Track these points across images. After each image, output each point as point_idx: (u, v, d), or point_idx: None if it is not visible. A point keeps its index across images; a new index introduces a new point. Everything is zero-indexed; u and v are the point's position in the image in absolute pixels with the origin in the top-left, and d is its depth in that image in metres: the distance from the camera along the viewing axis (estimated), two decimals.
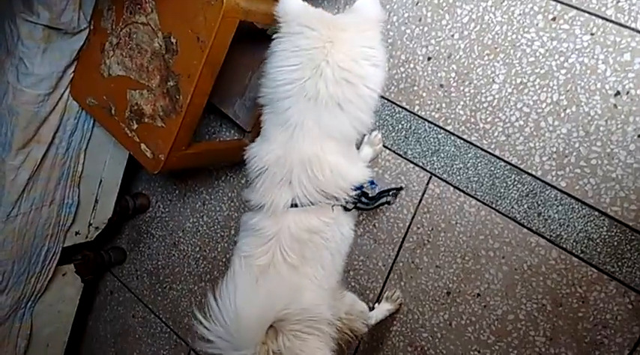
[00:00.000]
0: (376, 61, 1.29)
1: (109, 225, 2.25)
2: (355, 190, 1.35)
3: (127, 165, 2.15)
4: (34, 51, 1.57)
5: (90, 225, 2.15)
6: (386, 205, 1.62)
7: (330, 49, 1.24)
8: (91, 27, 1.61)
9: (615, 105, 1.42)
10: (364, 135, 1.70)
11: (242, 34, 1.42)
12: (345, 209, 1.36)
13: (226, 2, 1.30)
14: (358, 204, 1.39)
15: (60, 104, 1.71)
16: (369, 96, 1.30)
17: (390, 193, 1.54)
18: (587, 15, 1.43)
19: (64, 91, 1.70)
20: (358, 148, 1.67)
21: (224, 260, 2.20)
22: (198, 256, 2.28)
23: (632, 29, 1.38)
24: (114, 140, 1.76)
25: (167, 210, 2.36)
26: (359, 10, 1.32)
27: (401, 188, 1.71)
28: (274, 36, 1.30)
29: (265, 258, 1.31)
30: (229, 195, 2.16)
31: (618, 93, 1.41)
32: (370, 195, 1.45)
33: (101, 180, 2.08)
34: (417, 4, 1.65)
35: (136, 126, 1.55)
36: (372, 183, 1.45)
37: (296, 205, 1.30)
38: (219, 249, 2.21)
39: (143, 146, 1.56)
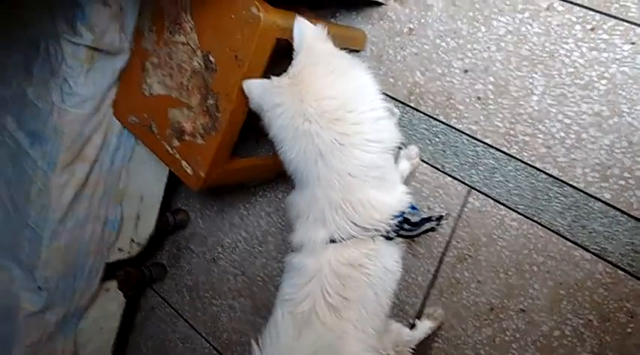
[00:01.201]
0: (346, 78, 1.27)
1: (150, 241, 2.29)
2: (396, 218, 1.32)
3: (167, 182, 2.19)
4: (78, 71, 1.62)
5: (132, 241, 2.19)
6: (430, 232, 1.57)
7: (303, 106, 1.23)
8: (133, 47, 1.65)
9: None
10: (400, 148, 1.69)
11: (279, 51, 1.44)
12: (387, 238, 1.32)
13: (263, 21, 1.32)
14: (401, 232, 1.34)
15: (103, 123, 1.75)
16: (363, 116, 1.26)
17: (433, 219, 1.50)
18: (626, 24, 1.41)
19: (107, 110, 1.74)
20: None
21: (262, 275, 2.21)
22: (237, 271, 2.29)
23: None
24: (155, 157, 1.79)
25: (206, 225, 2.39)
26: (297, 40, 1.31)
27: (442, 216, 1.66)
28: (263, 123, 1.34)
29: (307, 302, 1.27)
30: (267, 210, 2.17)
31: None
32: (412, 221, 1.38)
33: (142, 197, 2.11)
34: (452, 17, 1.65)
35: (176, 143, 1.58)
36: (413, 208, 1.40)
37: (335, 241, 1.29)
38: (257, 265, 2.22)
39: (184, 163, 1.59)
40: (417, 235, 1.42)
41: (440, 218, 1.51)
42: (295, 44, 1.31)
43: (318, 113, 1.22)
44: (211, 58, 1.43)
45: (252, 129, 2.08)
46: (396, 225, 1.32)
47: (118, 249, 2.15)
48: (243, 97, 1.43)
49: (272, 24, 1.35)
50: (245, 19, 1.33)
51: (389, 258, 1.34)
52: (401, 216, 1.32)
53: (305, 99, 1.23)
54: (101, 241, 2.03)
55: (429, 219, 1.43)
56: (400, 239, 1.37)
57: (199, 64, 1.46)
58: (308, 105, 1.22)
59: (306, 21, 1.32)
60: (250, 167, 1.85)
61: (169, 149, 1.61)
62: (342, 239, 1.28)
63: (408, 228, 1.35)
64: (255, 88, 1.34)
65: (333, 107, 1.23)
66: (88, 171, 1.81)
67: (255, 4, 1.31)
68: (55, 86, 1.67)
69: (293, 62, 1.30)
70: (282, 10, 1.38)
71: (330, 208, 1.27)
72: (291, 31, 1.39)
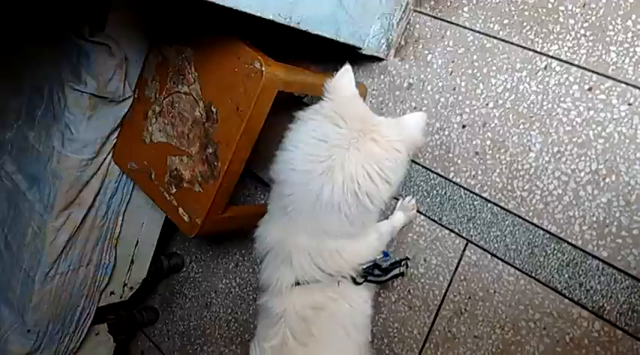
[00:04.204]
0: (390, 179, 1.21)
1: (142, 285, 2.26)
2: (366, 263, 1.34)
3: (163, 226, 2.18)
4: (80, 118, 1.63)
5: (125, 285, 2.17)
6: (400, 277, 1.55)
7: (352, 154, 1.16)
8: (136, 96, 1.67)
9: None
10: (397, 199, 1.70)
11: (279, 101, 1.45)
12: (355, 282, 1.32)
13: (265, 75, 1.34)
14: (369, 278, 1.35)
15: (102, 168, 1.76)
16: (373, 210, 1.24)
17: (402, 264, 1.49)
18: (624, 85, 1.43)
19: (107, 156, 1.75)
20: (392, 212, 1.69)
21: (255, 322, 2.17)
22: (230, 318, 2.26)
23: None
24: (152, 203, 1.79)
25: (200, 270, 2.37)
26: (403, 125, 1.23)
27: (407, 258, 1.69)
28: (310, 106, 1.24)
29: (276, 339, 1.29)
30: None
31: None
32: (382, 267, 1.40)
33: (137, 241, 2.11)
34: (450, 73, 1.68)
35: (174, 190, 1.59)
36: (385, 254, 1.43)
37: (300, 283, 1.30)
38: (250, 312, 2.20)
39: (181, 210, 1.59)
40: (386, 280, 1.44)
41: (405, 260, 1.53)
42: (404, 120, 1.25)
43: (343, 187, 1.17)
44: (213, 109, 1.45)
45: (250, 175, 2.10)
46: (365, 271, 1.33)
47: (110, 292, 2.13)
48: (243, 147, 1.44)
49: (274, 77, 1.37)
50: (248, 73, 1.35)
51: (357, 298, 1.35)
52: (372, 262, 1.35)
53: (347, 167, 1.17)
54: (93, 285, 2.01)
55: (398, 264, 1.46)
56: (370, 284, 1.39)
57: (201, 113, 1.48)
58: (341, 175, 1.17)
59: (423, 119, 1.26)
60: (247, 215, 1.84)
61: (167, 196, 1.61)
62: (307, 282, 1.28)
63: (378, 273, 1.38)
64: (347, 85, 1.25)
65: (362, 183, 1.18)
66: (84, 215, 1.80)
67: (258, 58, 1.33)
68: (56, 132, 1.68)
69: (385, 121, 1.24)
70: (285, 64, 1.41)
71: (298, 252, 1.26)
72: (292, 84, 1.42)
